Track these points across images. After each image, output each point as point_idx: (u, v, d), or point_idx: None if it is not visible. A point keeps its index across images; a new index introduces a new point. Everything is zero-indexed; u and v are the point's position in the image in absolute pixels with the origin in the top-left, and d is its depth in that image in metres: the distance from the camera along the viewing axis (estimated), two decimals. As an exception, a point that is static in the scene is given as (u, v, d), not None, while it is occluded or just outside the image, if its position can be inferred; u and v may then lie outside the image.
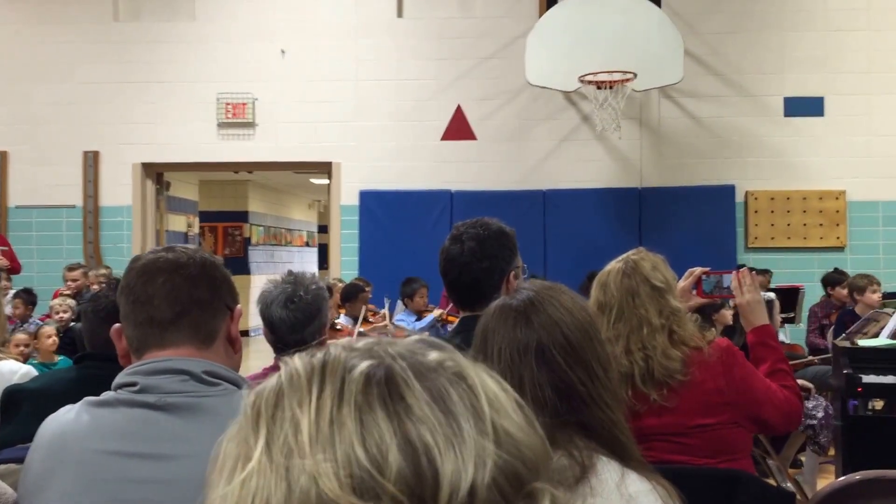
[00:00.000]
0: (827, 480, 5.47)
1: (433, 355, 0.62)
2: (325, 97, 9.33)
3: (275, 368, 2.72)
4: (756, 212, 9.18)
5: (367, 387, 0.58)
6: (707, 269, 2.92)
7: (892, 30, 9.08)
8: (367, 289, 7.33)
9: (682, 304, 2.56)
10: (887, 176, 9.01)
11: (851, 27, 9.11)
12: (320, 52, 9.37)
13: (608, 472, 1.45)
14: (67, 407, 1.51)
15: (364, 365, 0.59)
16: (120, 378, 1.50)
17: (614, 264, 2.55)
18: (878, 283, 7.04)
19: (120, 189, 9.45)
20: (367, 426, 0.55)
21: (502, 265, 2.51)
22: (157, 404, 1.44)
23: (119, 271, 5.93)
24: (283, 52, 9.35)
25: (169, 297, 1.53)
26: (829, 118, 9.12)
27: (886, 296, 6.94)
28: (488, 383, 0.61)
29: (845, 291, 7.35)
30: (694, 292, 2.89)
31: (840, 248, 9.09)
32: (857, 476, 2.22)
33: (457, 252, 2.51)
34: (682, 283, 2.82)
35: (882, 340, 5.19)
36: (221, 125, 9.42)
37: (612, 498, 1.43)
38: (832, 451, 5.40)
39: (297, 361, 0.62)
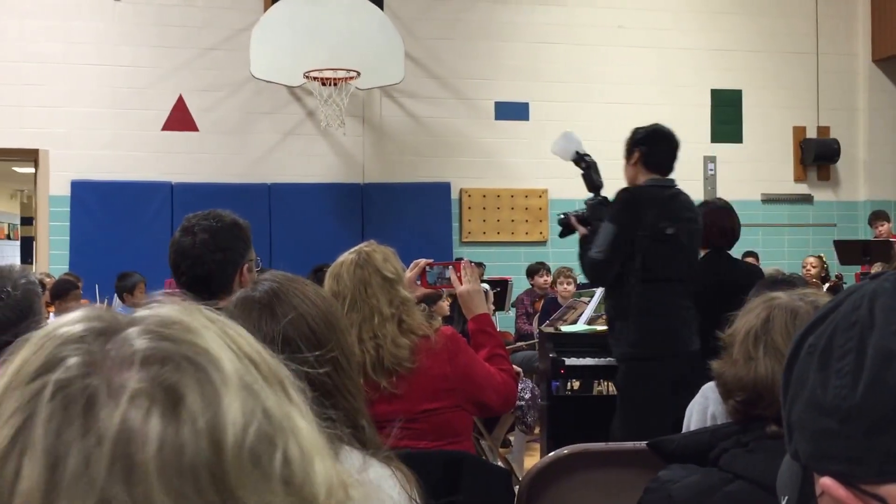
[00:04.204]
0: (533, 457, 5.91)
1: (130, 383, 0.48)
2: (31, 80, 8.66)
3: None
4: (470, 208, 9.68)
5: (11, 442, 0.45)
6: (431, 260, 3.09)
7: (585, 45, 9.88)
8: (79, 284, 6.96)
9: (410, 294, 2.70)
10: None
11: (552, 40, 9.82)
12: (27, 31, 8.68)
13: (350, 460, 1.48)
14: None
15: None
16: None
17: (347, 256, 2.56)
18: (575, 276, 7.72)
19: None
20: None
21: (236, 258, 2.50)
22: None
23: None
24: (-20, 28, 8.60)
25: None
26: (534, 122, 9.73)
27: (581, 286, 7.60)
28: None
29: (544, 280, 8.07)
30: (419, 282, 3.05)
31: (543, 242, 9.78)
32: (566, 450, 2.39)
33: (188, 244, 2.47)
34: (408, 274, 2.94)
35: (580, 326, 5.71)
36: None
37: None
38: (538, 430, 5.87)
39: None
